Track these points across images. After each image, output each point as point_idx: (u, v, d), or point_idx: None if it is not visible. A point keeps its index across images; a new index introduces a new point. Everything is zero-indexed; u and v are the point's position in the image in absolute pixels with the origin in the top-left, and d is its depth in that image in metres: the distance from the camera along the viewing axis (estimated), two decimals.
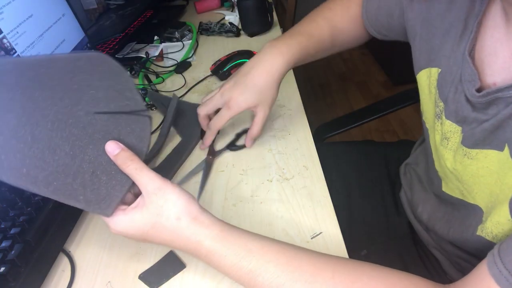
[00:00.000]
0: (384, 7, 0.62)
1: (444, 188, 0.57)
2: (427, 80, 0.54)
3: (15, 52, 0.64)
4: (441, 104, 0.50)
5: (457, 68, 0.46)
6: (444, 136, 0.51)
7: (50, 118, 0.40)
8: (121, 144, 0.44)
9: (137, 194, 0.45)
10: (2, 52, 0.61)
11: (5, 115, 0.37)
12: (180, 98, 0.83)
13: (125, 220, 0.42)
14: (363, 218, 0.74)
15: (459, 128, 0.47)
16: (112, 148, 0.43)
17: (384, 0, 0.62)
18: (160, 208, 0.41)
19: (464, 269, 0.59)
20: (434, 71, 0.51)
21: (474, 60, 0.44)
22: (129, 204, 0.44)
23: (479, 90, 0.43)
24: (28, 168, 0.38)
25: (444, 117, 0.50)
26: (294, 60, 0.61)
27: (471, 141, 0.45)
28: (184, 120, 0.72)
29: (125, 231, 0.42)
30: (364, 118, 0.88)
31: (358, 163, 0.83)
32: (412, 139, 0.83)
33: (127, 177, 0.43)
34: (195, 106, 0.65)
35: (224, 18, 1.14)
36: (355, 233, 0.71)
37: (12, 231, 0.51)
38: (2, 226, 0.52)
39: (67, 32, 0.81)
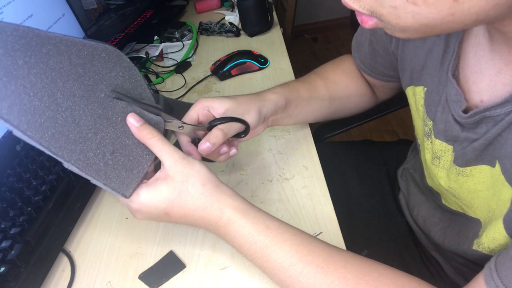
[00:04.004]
0: (377, 47, 0.60)
1: (444, 202, 0.57)
2: (413, 97, 0.53)
3: None
4: (430, 123, 0.49)
5: (443, 87, 0.46)
6: (435, 155, 0.50)
7: (73, 92, 0.41)
8: (142, 119, 0.44)
9: (151, 172, 0.46)
10: None
11: (31, 77, 0.38)
12: (180, 99, 0.83)
13: (149, 192, 0.42)
14: (363, 218, 0.74)
15: (450, 147, 0.47)
16: (136, 119, 0.44)
17: (375, 39, 0.59)
18: (186, 175, 0.42)
19: (464, 273, 0.59)
20: (419, 90, 0.51)
21: (459, 79, 0.44)
22: (147, 179, 0.44)
23: (466, 110, 0.42)
24: (53, 131, 0.38)
25: (433, 136, 0.49)
26: (284, 95, 0.57)
27: (463, 160, 0.45)
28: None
29: (149, 204, 0.42)
30: (364, 118, 0.88)
31: (358, 163, 0.83)
32: (412, 139, 0.83)
33: (143, 162, 0.44)
34: (189, 105, 0.64)
35: (224, 18, 1.14)
36: (355, 233, 0.71)
37: (12, 231, 0.51)
38: (2, 226, 0.52)
39: (67, 32, 0.81)
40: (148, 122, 0.46)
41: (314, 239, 0.43)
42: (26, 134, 0.36)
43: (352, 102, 0.68)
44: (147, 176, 0.45)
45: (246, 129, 0.53)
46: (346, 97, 0.67)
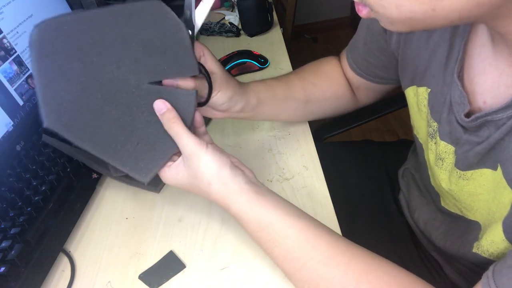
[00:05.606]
0: (372, 46, 0.59)
1: (443, 204, 0.56)
2: (414, 97, 0.53)
3: (15, 52, 0.64)
4: (435, 124, 0.49)
5: (448, 88, 0.45)
6: (438, 157, 0.50)
7: (105, 85, 0.43)
8: (168, 104, 0.45)
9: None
10: (2, 52, 0.61)
11: (74, 78, 0.41)
12: None
13: (171, 175, 0.47)
14: (363, 218, 0.74)
15: (453, 149, 0.47)
16: (160, 107, 0.45)
17: (370, 38, 0.59)
18: (195, 172, 0.45)
19: (465, 274, 0.59)
20: (422, 90, 0.50)
21: (463, 80, 0.44)
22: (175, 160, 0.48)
23: (468, 113, 0.42)
24: (84, 123, 0.42)
25: (438, 138, 0.49)
26: (257, 95, 0.57)
27: (465, 164, 0.45)
28: None
29: (173, 183, 0.48)
30: (364, 118, 0.88)
31: (358, 163, 0.83)
32: (412, 139, 0.82)
33: (167, 149, 0.47)
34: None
35: (224, 18, 1.14)
36: (355, 234, 0.70)
37: (12, 231, 0.51)
38: (2, 226, 0.52)
39: None
40: (178, 100, 0.46)
41: (321, 231, 0.43)
42: (71, 141, 0.42)
43: (329, 105, 0.68)
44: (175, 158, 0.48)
45: (207, 98, 0.50)
46: (323, 100, 0.66)
